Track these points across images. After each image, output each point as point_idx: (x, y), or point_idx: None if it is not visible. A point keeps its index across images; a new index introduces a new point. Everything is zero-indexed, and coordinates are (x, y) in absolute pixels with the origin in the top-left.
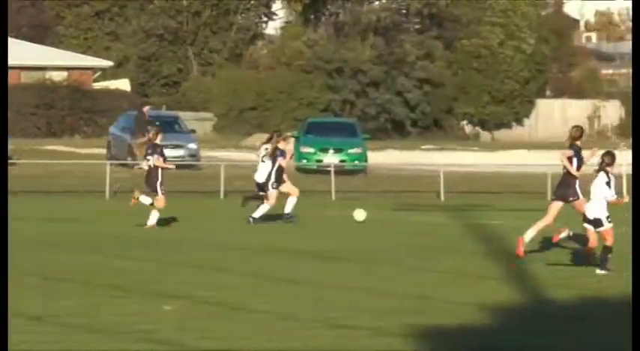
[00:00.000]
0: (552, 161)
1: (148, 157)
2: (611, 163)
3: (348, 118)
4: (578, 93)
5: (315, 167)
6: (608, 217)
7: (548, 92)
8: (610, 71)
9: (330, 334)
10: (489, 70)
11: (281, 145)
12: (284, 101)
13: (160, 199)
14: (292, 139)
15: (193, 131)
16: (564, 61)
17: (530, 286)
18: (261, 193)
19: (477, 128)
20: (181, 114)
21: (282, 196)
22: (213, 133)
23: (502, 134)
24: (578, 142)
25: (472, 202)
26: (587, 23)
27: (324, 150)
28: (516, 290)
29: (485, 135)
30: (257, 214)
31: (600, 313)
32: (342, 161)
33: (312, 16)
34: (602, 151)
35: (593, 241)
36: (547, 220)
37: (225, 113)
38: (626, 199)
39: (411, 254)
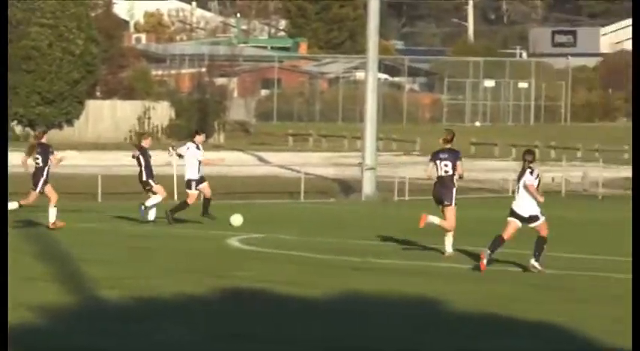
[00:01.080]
0: (102, 162)
1: (37, 156)
2: (533, 160)
3: None
4: (128, 94)
5: None
6: (541, 212)
7: (98, 93)
8: (160, 72)
9: None
10: (39, 71)
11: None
12: None
13: (34, 195)
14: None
15: None
16: (114, 61)
17: (81, 287)
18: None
19: (27, 129)
20: None
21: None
22: None
23: (53, 135)
24: (449, 146)
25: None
26: (136, 24)
27: None
28: (66, 291)
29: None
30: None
31: (156, 314)
32: None
33: None
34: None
35: (509, 233)
36: (449, 224)
37: None
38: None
39: None
